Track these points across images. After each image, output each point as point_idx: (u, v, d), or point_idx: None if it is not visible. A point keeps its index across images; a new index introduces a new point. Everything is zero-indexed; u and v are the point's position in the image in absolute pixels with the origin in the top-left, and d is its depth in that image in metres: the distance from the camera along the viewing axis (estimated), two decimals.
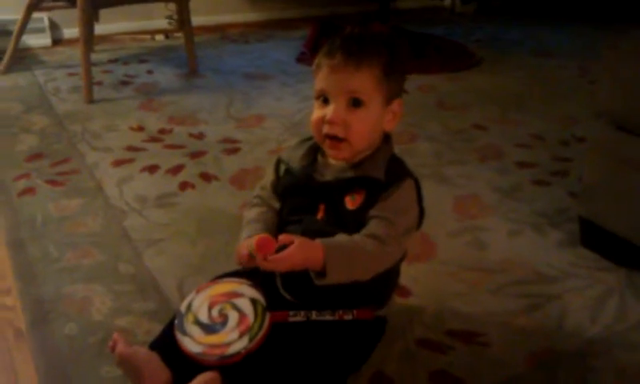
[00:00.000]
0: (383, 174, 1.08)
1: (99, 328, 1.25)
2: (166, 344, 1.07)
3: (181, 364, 1.03)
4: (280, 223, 1.17)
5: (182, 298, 1.29)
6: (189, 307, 1.09)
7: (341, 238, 1.05)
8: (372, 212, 1.07)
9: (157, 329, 1.18)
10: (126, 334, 1.19)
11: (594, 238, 1.53)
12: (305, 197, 1.13)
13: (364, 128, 1.07)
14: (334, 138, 1.08)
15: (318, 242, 1.02)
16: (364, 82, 1.05)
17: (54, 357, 1.18)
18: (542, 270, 1.47)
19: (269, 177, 1.22)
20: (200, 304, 1.09)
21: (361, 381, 1.12)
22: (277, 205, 1.19)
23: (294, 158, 1.16)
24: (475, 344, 1.23)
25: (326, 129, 1.08)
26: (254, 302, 1.08)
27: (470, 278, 1.44)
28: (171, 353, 1.05)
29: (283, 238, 1.02)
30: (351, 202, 1.09)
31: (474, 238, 1.60)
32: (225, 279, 1.16)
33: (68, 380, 1.12)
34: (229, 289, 1.12)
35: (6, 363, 1.16)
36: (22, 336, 1.23)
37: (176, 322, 1.07)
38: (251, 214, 1.20)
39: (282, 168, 1.19)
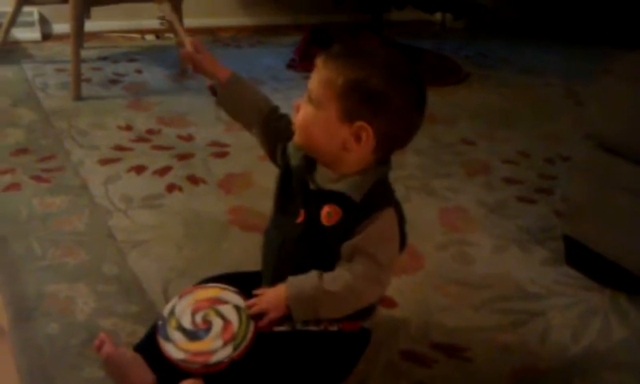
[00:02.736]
0: (360, 196, 1.05)
1: (82, 328, 1.23)
2: (150, 347, 1.06)
3: (165, 368, 1.03)
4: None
5: (167, 301, 1.28)
6: (172, 312, 1.08)
7: (310, 283, 1.04)
8: (354, 242, 1.04)
9: (140, 331, 1.18)
10: (109, 335, 1.17)
11: (579, 257, 1.54)
12: (290, 196, 1.12)
13: (303, 121, 1.06)
14: None
15: (283, 292, 1.04)
16: (317, 82, 1.04)
17: (35, 356, 1.16)
18: (526, 286, 1.48)
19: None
20: (183, 309, 1.08)
21: None
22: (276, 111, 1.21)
23: (296, 154, 1.13)
24: (458, 358, 1.24)
25: None
26: (238, 309, 1.07)
27: (455, 291, 1.44)
28: (155, 356, 1.04)
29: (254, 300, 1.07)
30: (327, 218, 1.07)
31: (460, 251, 1.61)
32: (208, 285, 1.15)
33: (50, 380, 1.11)
34: (212, 295, 1.11)
35: None
36: (3, 334, 1.21)
37: (159, 325, 1.06)
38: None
39: (286, 152, 1.15)
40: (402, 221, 1.11)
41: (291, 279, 1.05)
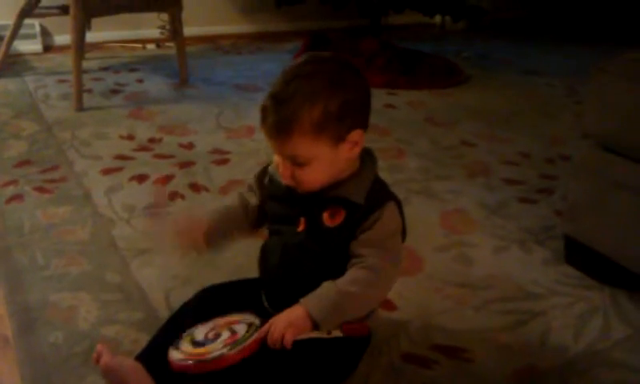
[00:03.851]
0: (363, 198, 1.08)
1: (85, 337, 1.24)
2: (152, 355, 1.08)
3: (166, 376, 1.04)
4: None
5: (169, 308, 1.31)
6: (190, 333, 1.09)
7: (327, 289, 1.04)
8: (367, 237, 1.06)
9: (143, 339, 1.19)
10: (112, 343, 1.19)
11: (579, 256, 1.55)
12: (286, 207, 1.13)
13: (314, 178, 1.07)
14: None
15: (300, 310, 1.02)
16: (297, 146, 1.03)
17: (39, 365, 1.17)
18: (527, 286, 1.49)
19: (252, 185, 1.22)
20: (200, 331, 1.10)
21: None
22: (254, 201, 1.21)
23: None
24: (459, 359, 1.24)
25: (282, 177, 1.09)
26: (250, 325, 1.08)
27: (455, 293, 1.45)
28: (157, 364, 1.06)
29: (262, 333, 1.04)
30: (330, 220, 1.09)
31: (460, 253, 1.62)
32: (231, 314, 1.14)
33: None
34: (232, 319, 1.12)
35: None
36: (7, 343, 1.22)
37: (174, 342, 1.07)
38: (226, 203, 1.24)
39: (267, 178, 1.19)
40: (402, 215, 1.13)
41: (306, 298, 1.04)
